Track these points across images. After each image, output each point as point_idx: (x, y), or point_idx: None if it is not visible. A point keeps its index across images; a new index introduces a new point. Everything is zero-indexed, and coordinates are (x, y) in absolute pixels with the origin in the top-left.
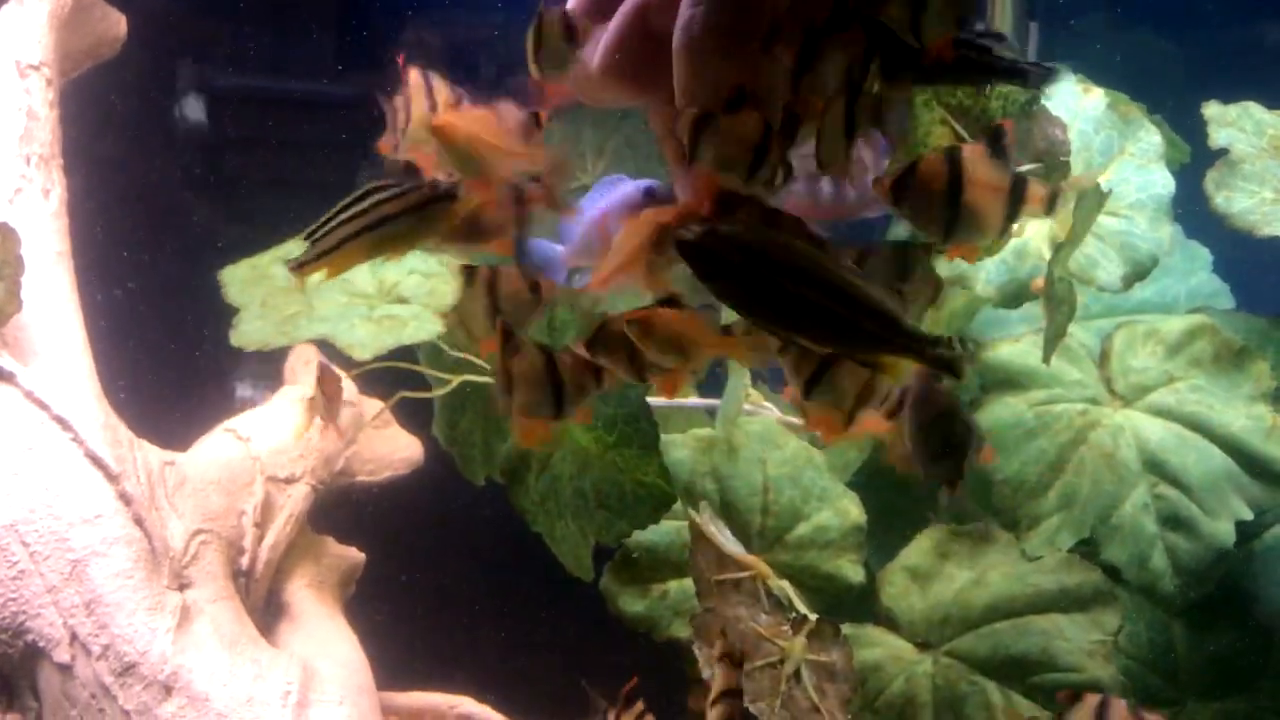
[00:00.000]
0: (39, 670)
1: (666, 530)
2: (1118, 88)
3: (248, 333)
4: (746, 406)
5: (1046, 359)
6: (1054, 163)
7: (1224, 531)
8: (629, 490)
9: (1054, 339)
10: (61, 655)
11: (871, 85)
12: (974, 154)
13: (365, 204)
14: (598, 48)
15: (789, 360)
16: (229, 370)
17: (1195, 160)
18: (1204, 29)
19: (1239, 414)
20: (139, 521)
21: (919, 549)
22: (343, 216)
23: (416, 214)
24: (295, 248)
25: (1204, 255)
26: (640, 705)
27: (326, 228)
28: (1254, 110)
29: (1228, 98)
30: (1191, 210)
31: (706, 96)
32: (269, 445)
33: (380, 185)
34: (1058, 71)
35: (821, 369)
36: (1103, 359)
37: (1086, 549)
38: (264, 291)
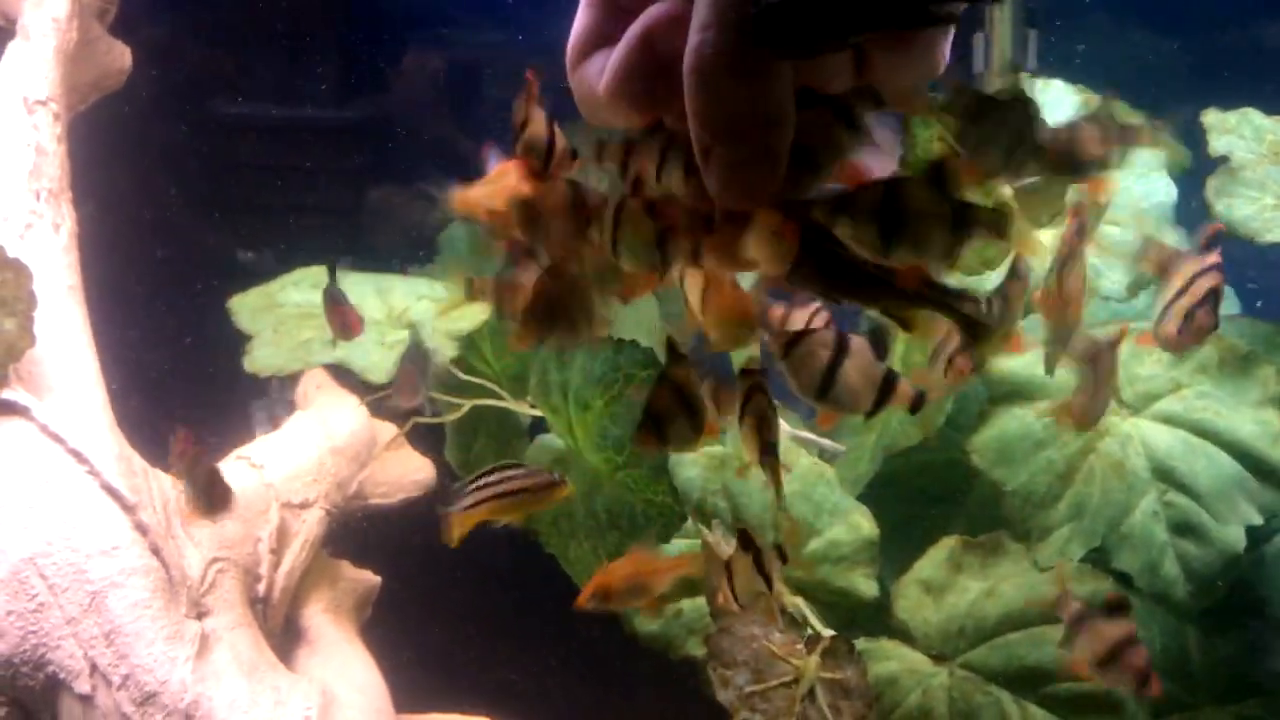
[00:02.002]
0: (60, 701)
1: (679, 549)
2: (1118, 94)
3: (261, 358)
4: None
5: (1049, 370)
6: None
7: (1234, 537)
8: (639, 510)
9: (1056, 350)
10: (82, 686)
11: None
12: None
13: (496, 477)
14: (605, 70)
15: None
16: (242, 398)
17: (1200, 165)
18: (1205, 33)
19: (1246, 419)
20: (156, 551)
21: (932, 561)
22: (483, 482)
23: (533, 493)
24: (303, 275)
25: None
26: None
27: (473, 490)
28: (1253, 116)
29: (1230, 102)
30: (1197, 215)
31: (717, 119)
32: (283, 471)
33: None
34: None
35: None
36: None
37: (1098, 558)
38: (275, 318)
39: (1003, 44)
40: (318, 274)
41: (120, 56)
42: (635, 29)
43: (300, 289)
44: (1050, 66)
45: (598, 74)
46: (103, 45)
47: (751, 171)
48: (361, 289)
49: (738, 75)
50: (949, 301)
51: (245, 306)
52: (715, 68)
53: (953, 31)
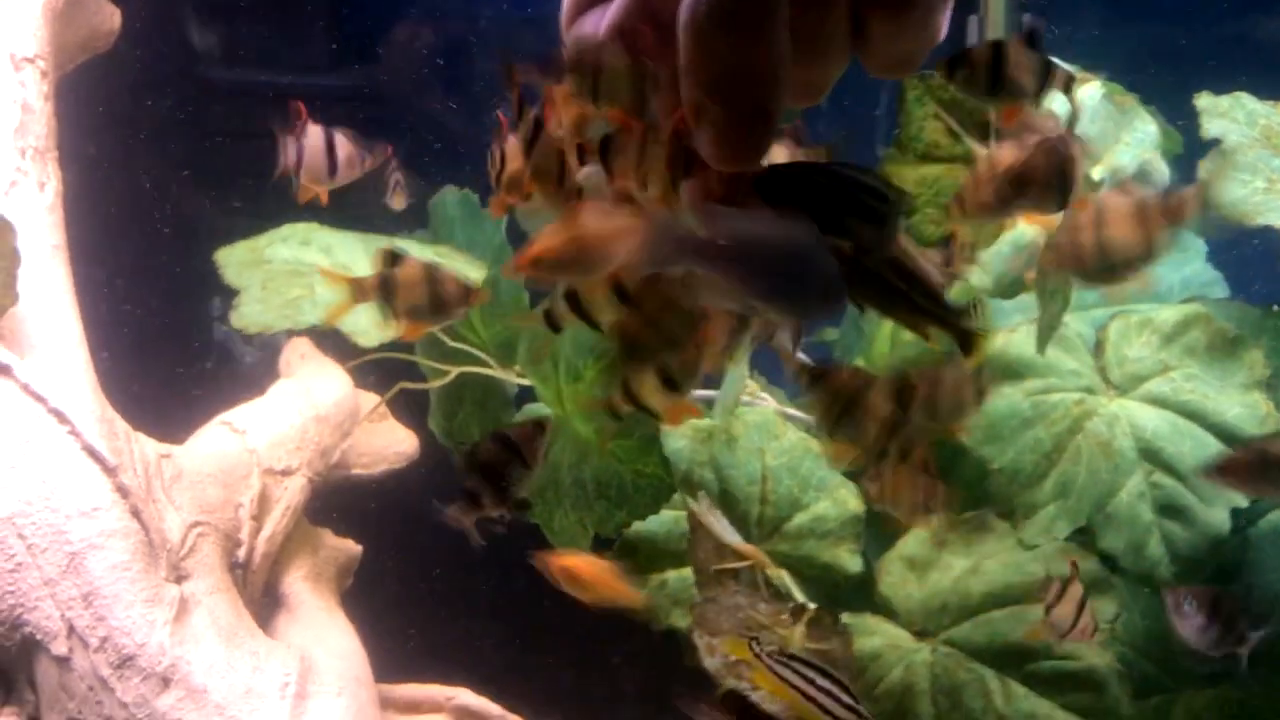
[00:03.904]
0: (36, 663)
1: (665, 520)
2: (1110, 77)
3: (248, 315)
4: (745, 397)
5: (1041, 349)
6: None
7: (1219, 519)
8: (628, 481)
9: (1048, 329)
10: (59, 648)
11: None
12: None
13: None
14: (600, 27)
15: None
16: (226, 362)
17: (1190, 149)
18: (1198, 18)
19: (1233, 402)
20: (136, 514)
21: (916, 538)
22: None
23: None
24: (291, 232)
25: (1198, 244)
26: None
27: None
28: (1246, 101)
29: (1222, 87)
30: None
31: (710, 76)
32: (266, 438)
33: None
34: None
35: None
36: (1098, 349)
37: (1083, 537)
38: (263, 275)
39: (996, 27)
40: (305, 230)
41: (109, 18)
42: None
43: (289, 245)
44: (1043, 49)
45: (593, 31)
46: (92, 5)
47: (744, 130)
48: (351, 248)
49: (732, 31)
50: (946, 316)
51: (232, 260)
52: (710, 23)
53: (952, 1)
